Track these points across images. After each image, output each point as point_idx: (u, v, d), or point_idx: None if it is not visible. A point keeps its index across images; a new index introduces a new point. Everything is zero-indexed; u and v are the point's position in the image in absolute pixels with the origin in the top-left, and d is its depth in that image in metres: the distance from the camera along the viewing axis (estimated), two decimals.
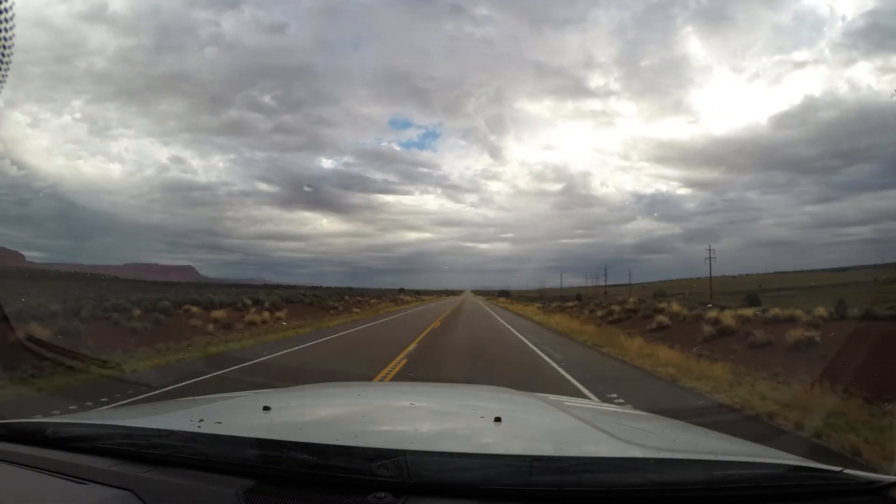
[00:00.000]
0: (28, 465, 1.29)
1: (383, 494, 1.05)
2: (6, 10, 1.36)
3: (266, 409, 1.63)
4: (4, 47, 1.38)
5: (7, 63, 1.41)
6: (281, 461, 1.18)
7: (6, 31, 1.38)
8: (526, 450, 1.35)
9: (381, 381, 7.77)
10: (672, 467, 1.19)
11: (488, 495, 1.07)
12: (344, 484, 1.10)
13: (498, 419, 1.51)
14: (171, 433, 1.35)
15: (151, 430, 1.40)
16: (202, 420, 1.43)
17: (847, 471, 1.13)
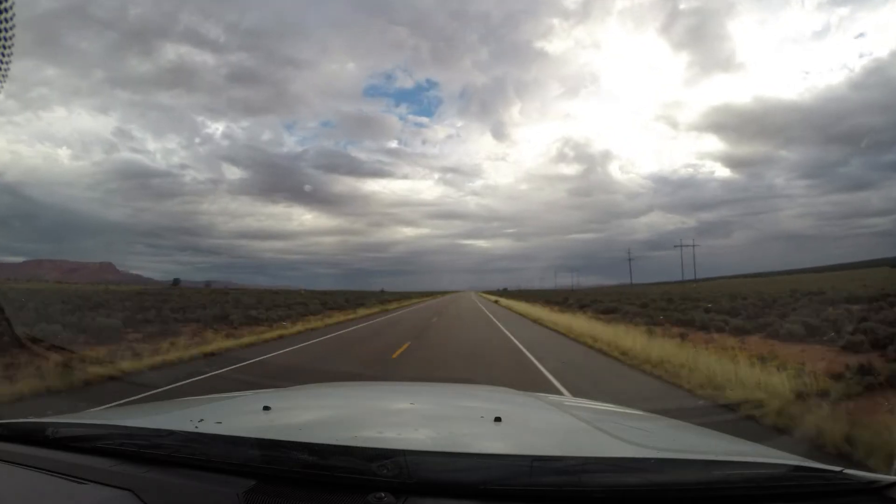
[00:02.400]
0: (28, 465, 1.29)
1: (383, 494, 1.05)
2: (6, 10, 1.37)
3: (266, 409, 1.63)
4: (4, 47, 1.38)
5: (7, 63, 1.41)
6: (281, 461, 1.18)
7: (6, 31, 1.38)
8: (526, 450, 1.35)
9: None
10: (672, 467, 1.19)
11: (488, 495, 1.07)
12: (344, 484, 1.10)
13: (498, 419, 1.51)
14: (171, 433, 1.35)
15: (151, 430, 1.40)
16: (202, 420, 1.43)
17: (847, 471, 1.13)
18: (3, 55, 1.39)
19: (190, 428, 1.36)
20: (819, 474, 1.18)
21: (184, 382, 8.03)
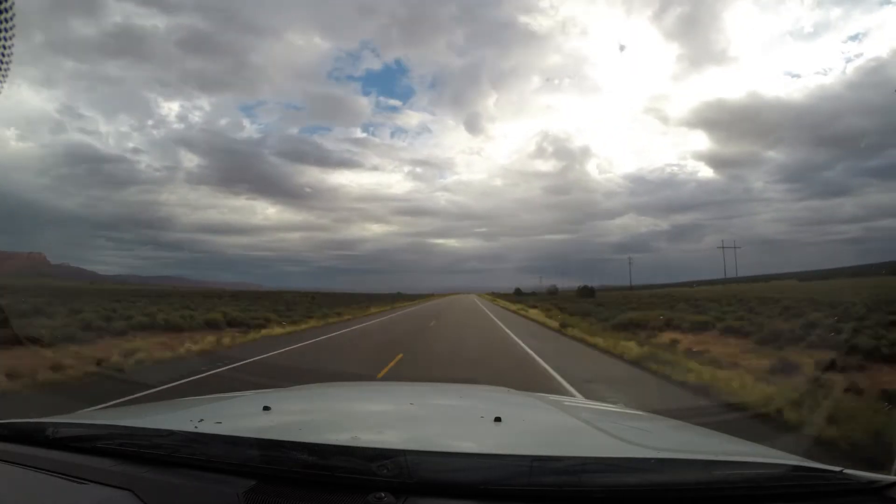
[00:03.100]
0: (28, 465, 1.29)
1: (383, 494, 1.05)
2: (6, 10, 1.37)
3: (266, 409, 1.63)
4: (4, 47, 1.38)
5: (7, 63, 1.41)
6: (281, 461, 1.18)
7: (6, 31, 1.38)
8: (526, 450, 1.35)
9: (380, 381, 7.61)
10: (672, 467, 1.19)
11: (488, 495, 1.07)
12: (344, 484, 1.11)
13: (498, 419, 1.52)
14: (171, 433, 1.35)
15: (151, 430, 1.40)
16: (202, 420, 1.43)
17: (847, 471, 1.14)
18: (3, 55, 1.39)
19: (190, 428, 1.36)
20: (819, 474, 1.18)
21: None
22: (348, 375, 8.69)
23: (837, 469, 1.14)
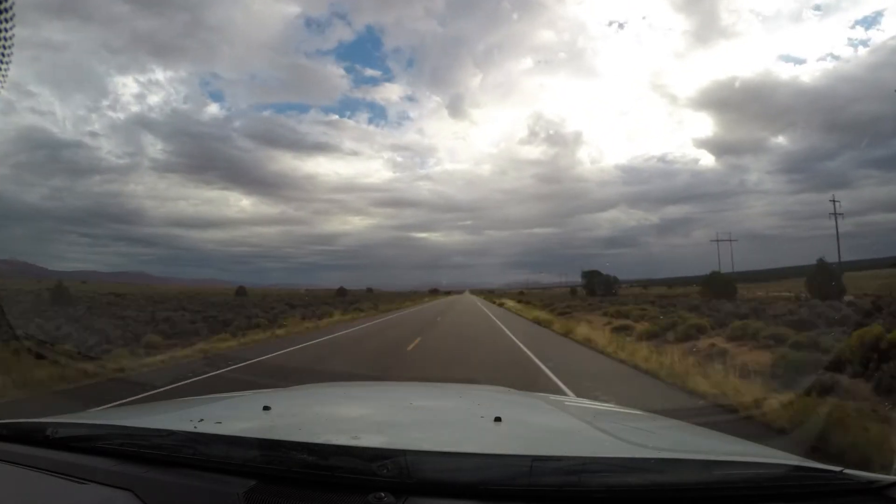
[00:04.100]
0: (28, 465, 1.29)
1: (383, 494, 1.05)
2: (6, 10, 1.37)
3: (266, 408, 1.63)
4: (4, 47, 1.38)
5: (7, 63, 1.41)
6: (281, 461, 1.18)
7: (6, 31, 1.38)
8: (526, 450, 1.35)
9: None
10: (672, 467, 1.19)
11: (488, 495, 1.07)
12: (344, 484, 1.10)
13: (498, 419, 1.51)
14: (171, 433, 1.35)
15: (151, 430, 1.40)
16: (202, 420, 1.43)
17: (847, 471, 1.14)
18: (3, 55, 1.39)
19: (190, 428, 1.36)
20: (819, 474, 1.18)
21: None
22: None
23: (837, 469, 1.14)
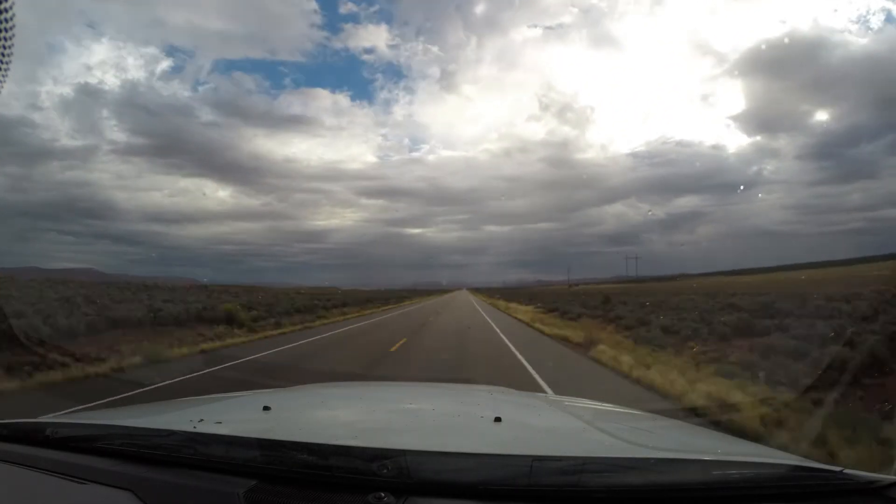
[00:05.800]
0: (28, 465, 1.29)
1: (383, 494, 1.05)
2: (6, 10, 1.36)
3: (266, 408, 1.63)
4: (4, 47, 1.38)
5: (7, 63, 1.41)
6: (281, 461, 1.18)
7: (6, 30, 1.38)
8: (526, 450, 1.35)
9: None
10: (672, 467, 1.20)
11: (488, 495, 1.07)
12: (344, 484, 1.11)
13: (498, 419, 1.51)
14: (171, 433, 1.35)
15: (151, 430, 1.40)
16: (202, 420, 1.43)
17: (847, 471, 1.14)
18: (3, 55, 1.39)
19: (190, 428, 1.36)
20: (819, 474, 1.18)
21: None
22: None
23: (838, 469, 1.14)
